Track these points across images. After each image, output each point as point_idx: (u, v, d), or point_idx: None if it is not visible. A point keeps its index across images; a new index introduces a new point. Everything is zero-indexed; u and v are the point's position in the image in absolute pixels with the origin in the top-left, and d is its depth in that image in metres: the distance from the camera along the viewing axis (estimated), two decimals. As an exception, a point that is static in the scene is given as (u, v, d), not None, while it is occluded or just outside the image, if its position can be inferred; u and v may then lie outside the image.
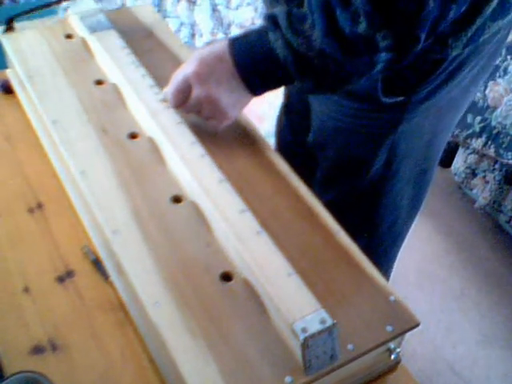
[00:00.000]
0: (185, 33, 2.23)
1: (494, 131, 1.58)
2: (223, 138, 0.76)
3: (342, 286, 0.61)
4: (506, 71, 1.51)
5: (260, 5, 2.13)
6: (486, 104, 1.58)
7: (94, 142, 0.73)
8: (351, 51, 0.61)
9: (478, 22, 0.69)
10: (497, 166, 1.66)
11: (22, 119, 0.86)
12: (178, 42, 0.92)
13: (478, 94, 1.58)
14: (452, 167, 1.80)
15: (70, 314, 0.64)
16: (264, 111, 1.82)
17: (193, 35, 2.24)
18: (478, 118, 1.61)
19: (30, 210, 0.74)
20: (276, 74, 0.67)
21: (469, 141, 1.65)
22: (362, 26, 0.59)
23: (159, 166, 0.71)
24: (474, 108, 1.60)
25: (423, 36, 0.60)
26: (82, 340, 0.62)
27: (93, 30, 0.86)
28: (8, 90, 0.90)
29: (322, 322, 0.53)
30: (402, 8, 0.58)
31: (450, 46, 0.72)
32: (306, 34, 0.62)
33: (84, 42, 0.88)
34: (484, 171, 1.71)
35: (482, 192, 1.71)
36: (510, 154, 1.57)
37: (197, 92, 0.70)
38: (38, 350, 0.60)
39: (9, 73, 0.90)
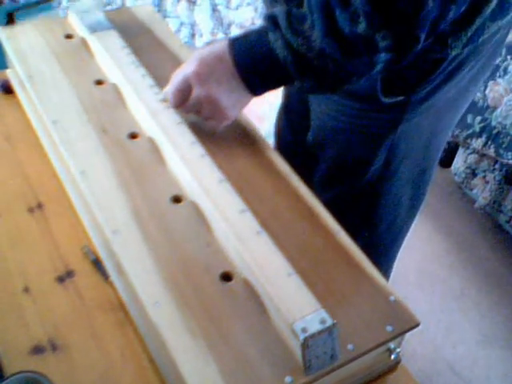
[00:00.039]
0: (185, 33, 2.23)
1: (494, 131, 1.58)
2: (223, 137, 0.76)
3: (341, 286, 0.61)
4: (506, 71, 1.51)
5: (260, 5, 2.13)
6: (485, 104, 1.58)
7: (94, 142, 0.73)
8: (351, 51, 0.61)
9: (478, 22, 0.69)
10: (497, 166, 1.66)
11: (22, 119, 0.86)
12: (177, 42, 0.92)
13: (478, 94, 1.58)
14: (452, 167, 1.80)
15: (69, 314, 0.64)
16: (264, 111, 1.82)
17: (193, 35, 2.24)
18: (478, 118, 1.61)
19: (30, 210, 0.74)
20: (276, 74, 0.67)
21: (469, 141, 1.65)
22: (362, 27, 0.59)
23: (159, 166, 0.71)
24: (474, 108, 1.60)
25: (423, 36, 0.60)
26: (82, 340, 0.62)
27: (93, 30, 0.86)
28: (8, 89, 0.90)
29: (322, 322, 0.53)
30: (401, 8, 0.58)
31: (449, 45, 0.72)
32: (306, 34, 0.62)
33: (84, 42, 0.88)
34: (484, 171, 1.71)
35: (482, 192, 1.71)
36: (509, 154, 1.57)
37: (197, 92, 0.70)
38: (37, 349, 0.60)
39: (9, 73, 0.90)
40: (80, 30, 0.89)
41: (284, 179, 0.72)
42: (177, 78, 0.72)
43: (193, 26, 2.22)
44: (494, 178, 1.66)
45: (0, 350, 0.60)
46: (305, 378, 0.53)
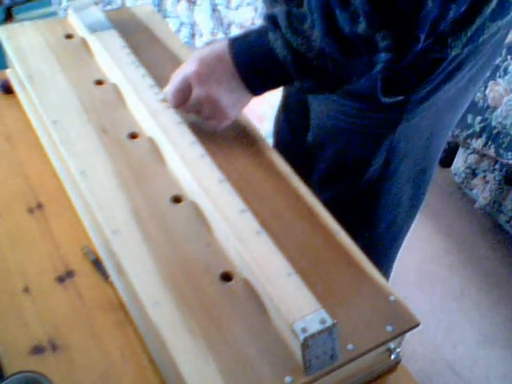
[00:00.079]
0: (185, 33, 2.23)
1: (494, 131, 1.58)
2: (223, 137, 0.76)
3: (341, 286, 0.61)
4: (506, 71, 1.51)
5: (260, 5, 2.13)
6: (486, 104, 1.58)
7: (94, 142, 0.73)
8: (351, 51, 0.61)
9: (478, 21, 0.69)
10: (497, 166, 1.66)
11: (22, 119, 0.86)
12: (178, 41, 0.92)
13: (478, 94, 1.58)
14: (452, 167, 1.80)
15: (69, 314, 0.64)
16: (264, 111, 1.82)
17: (193, 35, 2.24)
18: (478, 118, 1.61)
19: (30, 210, 0.74)
20: (276, 73, 0.67)
21: (469, 141, 1.65)
22: (362, 26, 0.59)
23: (159, 166, 0.71)
24: (474, 108, 1.60)
25: (423, 36, 0.60)
26: (82, 340, 0.62)
27: (93, 29, 0.86)
28: (8, 90, 0.90)
29: (322, 322, 0.53)
30: (401, 8, 0.58)
31: (449, 45, 0.72)
32: (306, 33, 0.62)
33: (84, 42, 0.88)
34: (484, 171, 1.71)
35: (482, 192, 1.71)
36: (510, 153, 1.57)
37: (197, 92, 0.70)
38: (37, 349, 0.60)
39: (9, 73, 0.90)
40: (80, 30, 0.89)
41: (284, 179, 0.72)
42: (177, 77, 0.72)
43: (193, 26, 2.22)
44: (494, 178, 1.66)
45: (0, 350, 0.60)
46: (305, 378, 0.53)
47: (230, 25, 2.21)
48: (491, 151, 1.61)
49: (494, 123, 1.57)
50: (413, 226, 1.07)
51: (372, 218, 0.97)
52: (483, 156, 1.68)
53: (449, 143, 1.74)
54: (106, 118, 0.76)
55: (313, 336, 0.52)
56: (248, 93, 0.70)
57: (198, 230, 0.65)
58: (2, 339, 0.61)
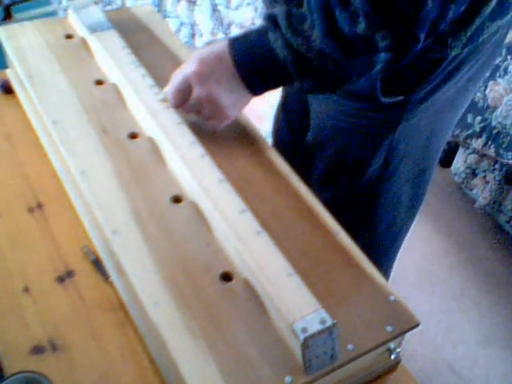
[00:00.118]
0: (185, 33, 2.23)
1: (494, 131, 1.58)
2: (223, 137, 0.76)
3: (341, 286, 0.61)
4: (506, 71, 1.51)
5: (260, 5, 2.13)
6: (486, 104, 1.58)
7: (94, 142, 0.73)
8: (350, 51, 0.61)
9: (477, 21, 0.69)
10: (497, 166, 1.66)
11: (22, 119, 0.86)
12: (178, 41, 0.92)
13: (478, 94, 1.58)
14: (452, 167, 1.80)
15: (70, 314, 0.64)
16: (264, 111, 1.82)
17: (193, 35, 2.24)
18: (478, 118, 1.61)
19: (30, 210, 0.74)
20: (276, 73, 0.67)
21: (469, 141, 1.65)
22: (362, 26, 0.59)
23: (159, 166, 0.71)
24: (474, 108, 1.60)
25: (422, 36, 0.60)
26: (82, 340, 0.62)
27: (93, 30, 0.86)
28: (8, 90, 0.90)
29: (322, 322, 0.53)
30: (401, 8, 0.58)
31: (449, 45, 0.72)
32: (306, 34, 0.62)
33: (84, 42, 0.88)
34: (484, 171, 1.71)
35: (482, 192, 1.71)
36: (510, 153, 1.57)
37: (197, 92, 0.70)
38: (37, 349, 0.60)
39: (9, 73, 0.90)
40: (80, 30, 0.89)
41: (284, 179, 0.72)
42: (177, 77, 0.72)
43: (193, 26, 2.22)
44: (494, 178, 1.66)
45: (0, 350, 0.60)
46: (305, 378, 0.53)
47: (229, 25, 2.21)
48: (491, 151, 1.61)
49: (494, 123, 1.57)
50: (413, 226, 1.07)
51: (372, 218, 0.97)
52: (483, 156, 1.68)
53: (449, 143, 1.74)
54: (106, 118, 0.76)
55: (313, 336, 0.52)
56: (248, 93, 0.70)
57: (198, 230, 0.65)
58: (2, 339, 0.61)
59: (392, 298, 0.60)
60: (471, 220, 1.80)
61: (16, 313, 0.63)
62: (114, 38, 0.85)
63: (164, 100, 0.75)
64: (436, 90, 0.79)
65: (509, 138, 1.55)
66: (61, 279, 0.67)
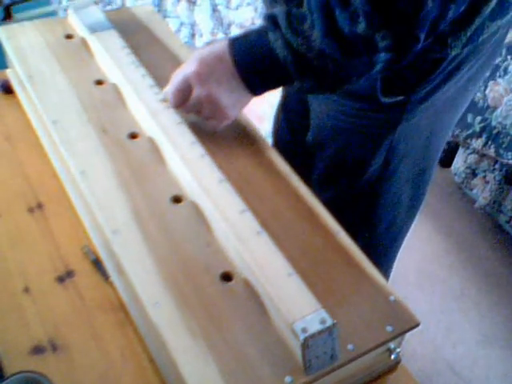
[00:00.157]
0: (185, 33, 2.23)
1: (494, 131, 1.58)
2: (223, 137, 0.76)
3: (341, 286, 0.61)
4: (506, 71, 1.51)
5: (260, 5, 2.13)
6: (486, 104, 1.58)
7: (94, 142, 0.73)
8: (350, 51, 0.61)
9: (477, 21, 0.69)
10: (497, 166, 1.66)
11: (22, 119, 0.86)
12: (178, 41, 0.92)
13: (478, 94, 1.58)
14: (452, 167, 1.80)
15: (70, 314, 0.64)
16: (264, 111, 1.82)
17: (193, 35, 2.24)
18: (478, 118, 1.61)
19: (30, 210, 0.74)
20: (276, 73, 0.67)
21: (469, 141, 1.65)
22: (361, 26, 0.59)
23: (159, 166, 0.71)
24: (474, 108, 1.60)
25: (422, 36, 0.60)
26: (82, 340, 0.62)
27: (93, 30, 0.86)
28: (8, 90, 0.90)
29: (322, 322, 0.53)
30: (401, 8, 0.58)
31: (449, 45, 0.72)
32: (306, 34, 0.62)
33: (84, 42, 0.88)
34: (484, 171, 1.71)
35: (482, 192, 1.71)
36: (510, 153, 1.57)
37: (197, 92, 0.70)
38: (38, 349, 0.60)
39: (9, 73, 0.90)
40: (80, 30, 0.89)
41: (284, 179, 0.72)
42: (177, 77, 0.72)
43: (193, 26, 2.22)
44: (494, 178, 1.66)
45: (0, 350, 0.60)
46: (305, 378, 0.53)
47: (229, 25, 2.21)
48: (491, 151, 1.61)
49: (494, 123, 1.57)
50: (413, 226, 1.07)
51: (371, 218, 0.97)
52: (483, 156, 1.68)
53: (449, 143, 1.74)
54: (106, 118, 0.76)
55: (313, 336, 0.52)
56: (248, 93, 0.70)
57: (198, 230, 0.65)
58: (2, 339, 0.61)
59: (392, 298, 0.60)
60: (471, 220, 1.80)
61: (16, 313, 0.63)
62: (114, 38, 0.85)
63: (164, 100, 0.75)
64: (436, 89, 0.79)
65: (509, 137, 1.55)
66: (61, 279, 0.67)
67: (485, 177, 1.72)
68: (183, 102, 0.72)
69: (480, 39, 0.73)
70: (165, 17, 2.18)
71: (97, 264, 0.68)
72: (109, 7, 2.12)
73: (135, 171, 0.70)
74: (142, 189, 0.68)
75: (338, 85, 0.67)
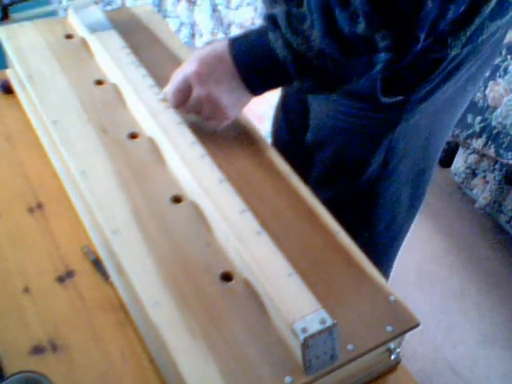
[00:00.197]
0: (185, 33, 2.23)
1: (494, 131, 1.58)
2: (223, 137, 0.76)
3: (341, 286, 0.61)
4: (506, 71, 1.51)
5: (260, 5, 2.13)
6: (486, 104, 1.58)
7: (94, 142, 0.73)
8: (350, 51, 0.61)
9: (477, 21, 0.69)
10: (497, 166, 1.66)
11: (22, 119, 0.86)
12: (178, 41, 0.92)
13: (478, 94, 1.58)
14: (452, 167, 1.80)
15: (70, 314, 0.64)
16: (264, 111, 1.81)
17: (193, 35, 2.24)
18: (478, 118, 1.61)
19: (30, 210, 0.74)
20: (276, 73, 0.67)
21: (469, 141, 1.65)
22: (361, 26, 0.59)
23: (159, 166, 0.71)
24: (474, 108, 1.60)
25: (422, 36, 0.60)
26: (82, 340, 0.62)
27: (93, 30, 0.86)
28: (8, 90, 0.90)
29: (322, 322, 0.53)
30: (401, 8, 0.58)
31: (449, 45, 0.72)
32: (306, 33, 0.62)
33: (84, 42, 0.88)
34: (484, 171, 1.71)
35: (482, 192, 1.71)
36: (510, 153, 1.57)
37: (197, 92, 0.70)
38: (38, 349, 0.60)
39: (9, 73, 0.90)
40: (80, 30, 0.89)
41: (284, 179, 0.72)
42: (177, 77, 0.72)
43: (193, 26, 2.22)
44: (494, 178, 1.66)
45: (0, 350, 0.60)
46: (305, 378, 0.53)
47: (229, 25, 2.21)
48: (491, 151, 1.61)
49: (494, 123, 1.57)
50: (413, 226, 1.07)
51: (371, 217, 0.97)
52: (483, 156, 1.68)
53: (449, 143, 1.74)
54: (106, 118, 0.76)
55: (313, 336, 0.52)
56: (248, 93, 0.70)
57: (198, 230, 0.65)
58: (2, 339, 0.61)
59: (392, 298, 0.60)
60: (471, 220, 1.80)
61: (16, 313, 0.63)
62: (113, 38, 0.85)
63: (164, 100, 0.75)
64: (435, 89, 0.79)
65: (509, 137, 1.55)
66: (61, 279, 0.67)
67: (485, 177, 1.72)
68: (183, 101, 0.72)
69: (480, 39, 0.73)
70: (165, 17, 2.18)
71: (97, 264, 0.68)
72: (109, 7, 2.12)
73: (135, 171, 0.70)
74: (142, 189, 0.68)
75: (337, 85, 0.67)
